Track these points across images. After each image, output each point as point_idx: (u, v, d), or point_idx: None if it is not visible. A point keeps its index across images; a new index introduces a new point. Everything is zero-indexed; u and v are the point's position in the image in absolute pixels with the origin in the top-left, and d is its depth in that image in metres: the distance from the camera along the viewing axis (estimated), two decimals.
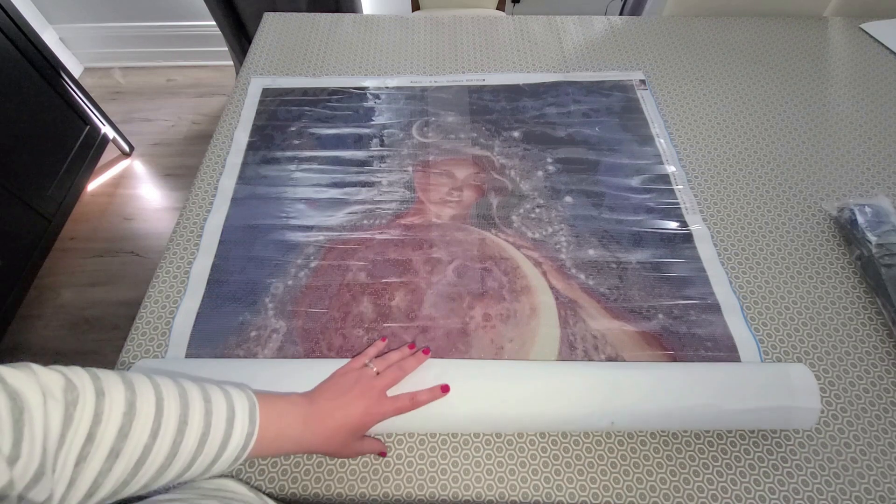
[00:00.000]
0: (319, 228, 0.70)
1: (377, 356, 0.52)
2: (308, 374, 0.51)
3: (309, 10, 1.35)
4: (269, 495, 0.49)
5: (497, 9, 1.52)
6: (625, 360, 0.57)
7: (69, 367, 0.33)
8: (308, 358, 0.57)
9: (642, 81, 0.91)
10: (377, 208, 0.72)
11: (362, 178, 0.76)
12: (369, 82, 0.90)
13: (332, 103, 0.87)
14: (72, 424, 0.31)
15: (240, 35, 1.55)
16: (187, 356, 0.58)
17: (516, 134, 0.82)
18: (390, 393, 0.48)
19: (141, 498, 0.36)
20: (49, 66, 1.41)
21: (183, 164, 1.72)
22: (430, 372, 0.50)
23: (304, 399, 0.46)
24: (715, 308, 0.62)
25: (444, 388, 0.48)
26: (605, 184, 0.75)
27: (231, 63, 1.94)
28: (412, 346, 0.54)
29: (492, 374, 0.51)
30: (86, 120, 1.55)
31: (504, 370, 0.52)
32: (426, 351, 0.52)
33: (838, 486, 0.50)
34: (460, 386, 0.49)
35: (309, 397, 0.46)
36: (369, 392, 0.47)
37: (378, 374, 0.49)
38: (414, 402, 0.47)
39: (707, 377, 0.50)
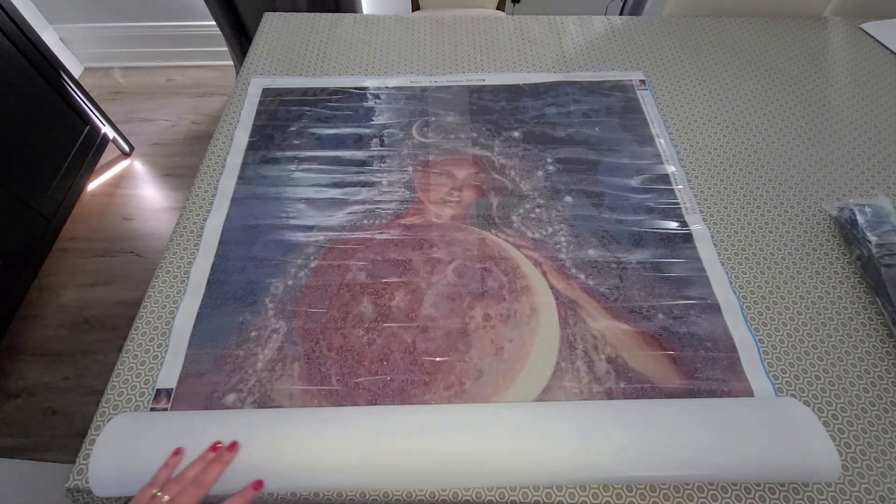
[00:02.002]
0: (319, 228, 0.70)
1: (170, 478, 0.45)
2: (296, 422, 0.49)
3: (309, 10, 1.35)
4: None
5: (497, 9, 1.52)
6: (625, 360, 0.57)
7: None
8: (305, 388, 0.57)
9: (642, 81, 0.90)
10: (377, 208, 0.72)
11: (362, 178, 0.76)
12: (369, 82, 0.90)
13: (332, 103, 0.87)
14: None
15: (240, 35, 1.55)
16: (187, 356, 0.58)
17: (516, 134, 0.82)
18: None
19: None
20: (49, 66, 1.41)
21: (183, 164, 1.71)
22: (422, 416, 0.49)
23: None
24: (715, 308, 0.62)
25: (257, 485, 0.45)
26: (605, 184, 0.75)
27: (231, 63, 1.94)
28: (215, 446, 0.46)
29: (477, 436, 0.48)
30: (86, 120, 1.55)
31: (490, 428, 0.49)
32: (232, 447, 0.46)
33: (838, 486, 0.50)
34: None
35: None
36: None
37: (171, 500, 0.42)
38: None
39: (726, 461, 0.47)
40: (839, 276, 0.65)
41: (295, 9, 1.40)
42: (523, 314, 0.61)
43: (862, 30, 1.00)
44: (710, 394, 0.55)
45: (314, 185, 0.75)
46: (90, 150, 1.57)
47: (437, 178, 0.76)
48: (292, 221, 0.71)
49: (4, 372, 1.25)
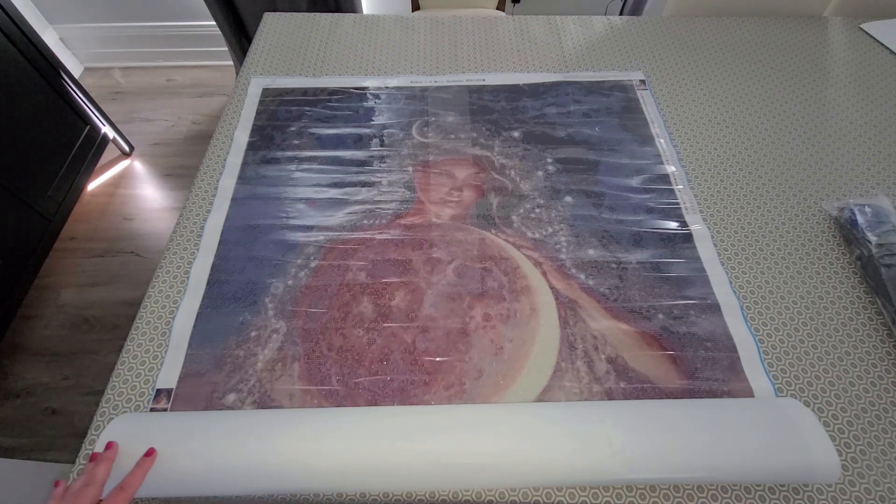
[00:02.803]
0: (319, 228, 0.70)
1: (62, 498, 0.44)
2: (295, 422, 0.50)
3: (309, 10, 1.35)
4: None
5: (497, 9, 1.52)
6: (625, 360, 0.57)
7: None
8: (306, 390, 0.57)
9: (642, 81, 0.90)
10: (377, 208, 0.72)
11: (362, 178, 0.76)
12: (369, 82, 0.90)
13: (332, 103, 0.87)
14: None
15: (240, 35, 1.55)
16: (187, 356, 0.58)
17: (516, 134, 0.82)
18: None
19: None
20: (49, 66, 1.41)
21: (183, 164, 1.71)
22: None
23: None
24: (715, 308, 0.62)
25: (150, 453, 0.46)
26: (605, 184, 0.75)
27: (231, 63, 1.94)
28: (94, 456, 0.47)
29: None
30: (86, 120, 1.55)
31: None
32: (109, 445, 0.47)
33: (838, 486, 0.50)
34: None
35: None
36: None
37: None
38: (126, 490, 0.43)
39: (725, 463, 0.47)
40: (839, 276, 0.65)
41: (295, 9, 1.40)
42: (523, 314, 0.61)
43: (862, 30, 1.00)
44: (710, 394, 0.55)
45: (314, 185, 0.75)
46: (90, 150, 1.57)
47: (437, 178, 0.76)
48: (292, 221, 0.71)
49: (4, 372, 1.25)
